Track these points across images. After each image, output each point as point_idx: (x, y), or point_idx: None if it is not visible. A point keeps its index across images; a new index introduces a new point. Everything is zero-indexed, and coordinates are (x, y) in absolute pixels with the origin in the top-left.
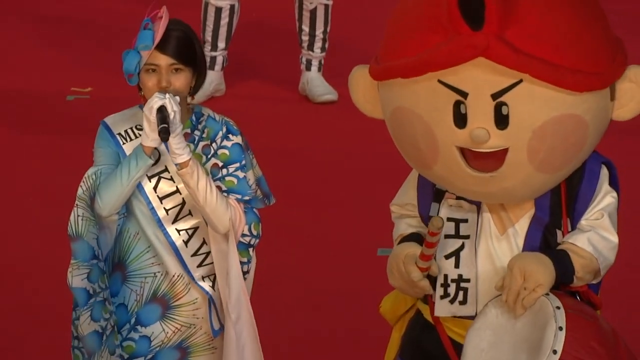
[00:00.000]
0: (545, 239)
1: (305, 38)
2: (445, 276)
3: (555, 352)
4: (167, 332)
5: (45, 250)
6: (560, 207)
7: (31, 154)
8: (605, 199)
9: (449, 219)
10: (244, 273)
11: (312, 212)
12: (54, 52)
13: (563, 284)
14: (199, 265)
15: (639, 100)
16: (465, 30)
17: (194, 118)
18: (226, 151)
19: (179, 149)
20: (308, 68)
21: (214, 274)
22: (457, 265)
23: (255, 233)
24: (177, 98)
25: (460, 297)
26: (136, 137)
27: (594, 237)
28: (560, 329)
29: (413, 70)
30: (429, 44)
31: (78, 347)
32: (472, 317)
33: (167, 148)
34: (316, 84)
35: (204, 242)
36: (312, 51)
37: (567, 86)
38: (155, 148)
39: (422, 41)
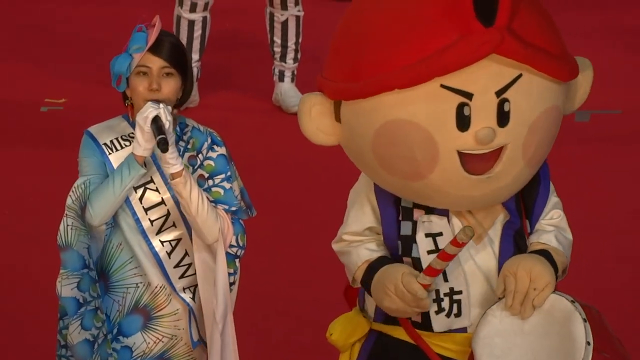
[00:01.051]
0: (516, 243)
1: (277, 50)
2: (437, 291)
3: (589, 343)
4: (149, 343)
5: (21, 260)
6: (521, 209)
7: (5, 165)
8: (552, 197)
9: (426, 235)
10: (230, 284)
11: (287, 222)
12: (28, 63)
13: None
14: (181, 277)
15: (585, 90)
16: (477, 27)
17: (178, 129)
18: (211, 162)
19: (172, 159)
20: (281, 79)
21: (195, 285)
22: (446, 279)
23: (241, 244)
24: (170, 108)
25: (455, 309)
26: (122, 147)
27: (559, 236)
28: (585, 320)
29: (418, 77)
30: (431, 48)
31: (65, 356)
32: (465, 330)
33: (154, 158)
34: (290, 94)
35: (186, 254)
36: (285, 62)
37: (560, 75)
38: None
39: (423, 47)
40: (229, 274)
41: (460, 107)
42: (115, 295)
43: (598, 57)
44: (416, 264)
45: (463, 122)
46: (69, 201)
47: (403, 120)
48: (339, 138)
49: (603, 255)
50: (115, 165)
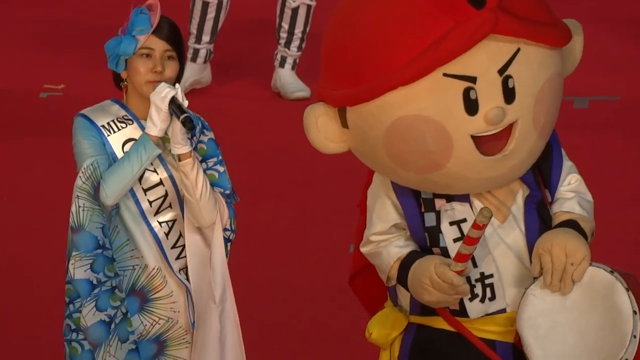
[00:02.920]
0: (540, 214)
1: (283, 35)
2: (468, 278)
3: (635, 312)
4: (146, 325)
5: (21, 247)
6: (539, 180)
7: (5, 150)
8: (566, 162)
9: (450, 223)
10: None
11: (284, 209)
12: (26, 50)
13: None
14: (177, 258)
15: (578, 50)
16: (470, 11)
17: None
18: (204, 146)
19: (183, 139)
20: (282, 65)
21: (186, 267)
22: (475, 265)
23: (233, 228)
24: (179, 86)
25: (488, 294)
26: (119, 129)
27: (581, 201)
28: (627, 289)
29: (419, 71)
30: (427, 40)
31: (76, 340)
32: (504, 310)
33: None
34: (289, 80)
35: (180, 235)
36: (289, 49)
37: (555, 42)
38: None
39: (418, 40)
40: None
41: (466, 92)
42: None
43: (597, 44)
44: (445, 253)
45: (471, 106)
46: (79, 182)
47: (412, 115)
48: (349, 144)
49: (601, 241)
50: (114, 147)
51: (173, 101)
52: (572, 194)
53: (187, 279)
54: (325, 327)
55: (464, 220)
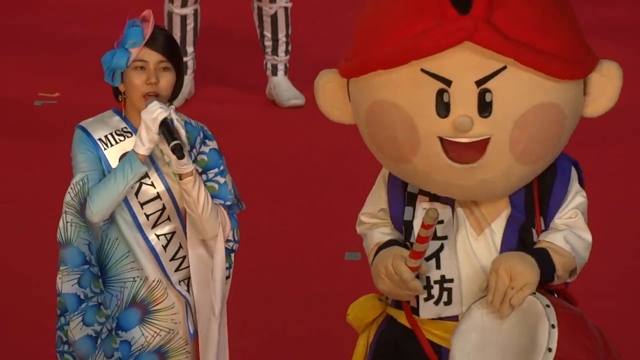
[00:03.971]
0: (521, 238)
1: (268, 43)
2: (428, 278)
3: (550, 350)
4: (147, 337)
5: (14, 254)
6: (533, 206)
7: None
8: (576, 198)
9: None
10: (226, 278)
11: (280, 216)
12: (21, 57)
13: (544, 282)
14: (176, 270)
15: (610, 95)
16: (452, 14)
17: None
18: (204, 157)
19: (185, 159)
20: (274, 73)
21: (188, 278)
22: (438, 267)
23: (237, 238)
24: (173, 107)
25: (444, 297)
26: (117, 142)
27: (571, 236)
28: (553, 326)
29: (396, 59)
30: (410, 32)
31: (68, 352)
32: (456, 318)
33: (150, 154)
34: (283, 88)
35: (180, 247)
36: (277, 55)
37: (553, 73)
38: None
39: (404, 30)
40: (226, 268)
41: (440, 93)
42: (114, 290)
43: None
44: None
45: (443, 109)
46: (67, 198)
47: (387, 102)
48: (352, 117)
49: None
50: (110, 161)
51: (165, 123)
52: (564, 227)
53: (188, 290)
54: (320, 333)
55: (441, 221)
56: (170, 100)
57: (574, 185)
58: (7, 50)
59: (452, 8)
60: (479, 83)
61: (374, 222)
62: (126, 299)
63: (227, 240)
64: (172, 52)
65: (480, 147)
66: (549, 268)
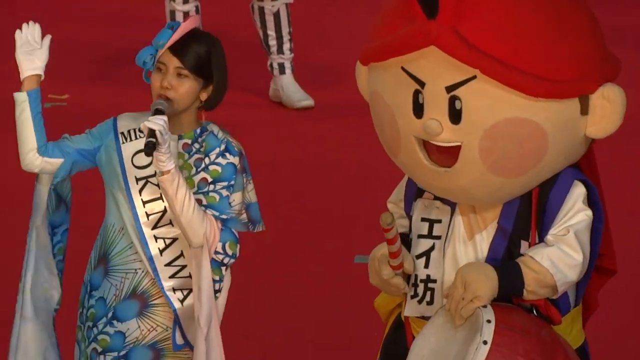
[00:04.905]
0: (509, 249)
1: (273, 42)
2: (415, 276)
3: None
4: (142, 330)
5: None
6: (529, 217)
7: (9, 160)
8: (576, 215)
9: (422, 219)
10: (215, 291)
11: (289, 219)
12: None
13: (513, 296)
14: (172, 277)
15: (610, 118)
16: (420, 17)
17: (198, 131)
18: (218, 168)
19: (163, 157)
20: (282, 72)
21: (188, 289)
22: (426, 266)
23: (230, 253)
24: (165, 118)
25: (427, 297)
26: (137, 138)
27: (556, 252)
28: (485, 342)
29: (377, 54)
30: (394, 29)
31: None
32: None
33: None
34: (292, 89)
35: (181, 255)
36: (283, 54)
37: (520, 88)
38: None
39: (391, 27)
40: (214, 281)
41: (416, 94)
42: (114, 279)
43: None
44: (409, 244)
45: (418, 109)
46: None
47: (378, 93)
48: None
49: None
50: (124, 155)
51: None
52: (554, 243)
53: (183, 300)
54: (328, 336)
55: (439, 221)
56: (204, 108)
57: (576, 203)
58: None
59: (421, 11)
60: (449, 89)
61: (396, 212)
62: (126, 290)
63: (216, 252)
64: (194, 61)
65: (454, 152)
66: (517, 283)
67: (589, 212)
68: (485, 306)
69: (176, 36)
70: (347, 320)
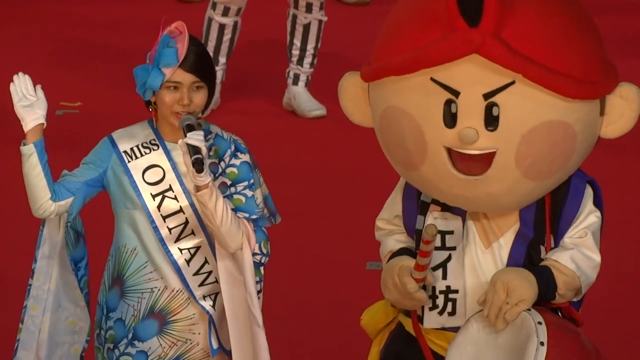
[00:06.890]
0: (529, 254)
1: (295, 52)
2: (434, 288)
3: None
4: (164, 347)
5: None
6: (544, 223)
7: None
8: (589, 217)
9: None
10: (257, 292)
11: (301, 226)
12: (43, 67)
13: (545, 300)
14: (200, 285)
15: (628, 117)
16: (461, 26)
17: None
18: (235, 169)
19: (202, 172)
20: (295, 82)
21: (215, 293)
22: (444, 277)
23: (265, 251)
24: (202, 132)
25: (449, 308)
26: (142, 155)
27: (577, 255)
28: (542, 344)
29: (406, 67)
30: (423, 41)
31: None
32: (457, 329)
33: (173, 166)
34: (304, 99)
35: (205, 262)
36: (302, 66)
37: (560, 91)
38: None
39: (416, 39)
40: (256, 282)
41: (448, 104)
42: (131, 300)
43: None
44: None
45: (450, 119)
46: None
47: (398, 108)
48: (371, 120)
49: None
50: (134, 174)
51: (188, 128)
52: (572, 245)
53: (214, 305)
54: (340, 343)
55: (451, 232)
56: (202, 110)
57: (588, 205)
58: (29, 59)
59: (462, 20)
60: (487, 96)
61: (390, 229)
62: (144, 310)
63: (254, 254)
64: (205, 70)
65: (486, 160)
66: (550, 286)
67: (599, 214)
68: (529, 310)
69: (183, 52)
70: (356, 326)
